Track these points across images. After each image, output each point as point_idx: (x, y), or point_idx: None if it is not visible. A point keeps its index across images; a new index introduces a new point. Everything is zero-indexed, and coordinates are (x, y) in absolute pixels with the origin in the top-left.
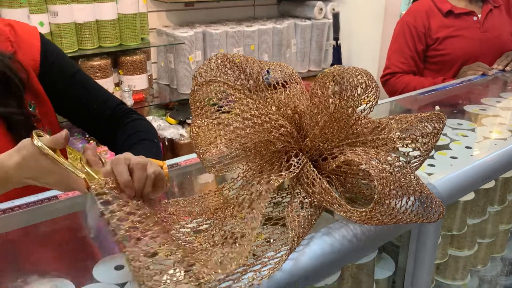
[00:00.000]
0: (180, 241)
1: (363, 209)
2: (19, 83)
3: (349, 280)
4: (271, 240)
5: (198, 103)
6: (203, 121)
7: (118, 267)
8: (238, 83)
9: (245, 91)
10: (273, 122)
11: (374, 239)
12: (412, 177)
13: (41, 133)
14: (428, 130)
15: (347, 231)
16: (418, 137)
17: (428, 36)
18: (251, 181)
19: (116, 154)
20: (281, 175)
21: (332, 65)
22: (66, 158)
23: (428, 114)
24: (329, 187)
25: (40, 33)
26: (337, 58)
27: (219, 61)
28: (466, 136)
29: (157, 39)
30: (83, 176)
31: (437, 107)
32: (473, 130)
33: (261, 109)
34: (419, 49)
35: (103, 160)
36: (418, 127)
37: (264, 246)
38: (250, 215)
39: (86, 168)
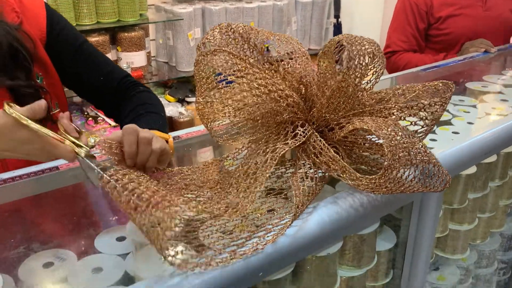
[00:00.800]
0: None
1: (372, 176)
2: (27, 54)
3: (351, 250)
4: (275, 210)
5: (203, 73)
6: (209, 91)
7: (120, 238)
8: (242, 53)
9: (250, 61)
10: (280, 92)
11: (377, 209)
12: (420, 145)
13: (12, 104)
14: (435, 99)
15: (353, 200)
16: (425, 106)
17: (430, 14)
18: (257, 150)
19: (121, 125)
20: (287, 143)
21: None
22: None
23: (435, 83)
24: (336, 156)
25: (46, 2)
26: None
27: (223, 31)
28: (468, 112)
29: (155, 15)
30: (69, 141)
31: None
32: (474, 106)
33: (267, 79)
34: (421, 28)
35: (78, 129)
36: (425, 96)
37: (267, 215)
38: (254, 182)
39: (67, 135)
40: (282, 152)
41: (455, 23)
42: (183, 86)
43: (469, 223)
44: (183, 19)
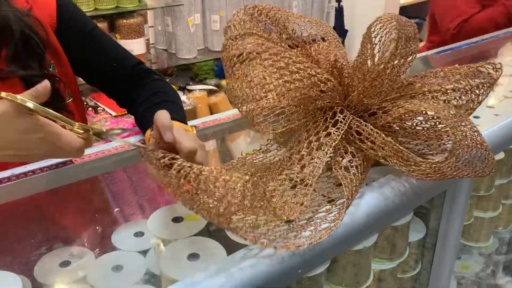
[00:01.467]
0: None
1: (435, 161)
2: (39, 42)
3: (384, 243)
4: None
5: (234, 58)
6: (243, 76)
7: (139, 234)
8: (271, 37)
9: (282, 43)
10: (319, 75)
11: (413, 199)
12: (474, 127)
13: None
14: (483, 80)
15: (389, 190)
16: (473, 88)
17: None
18: (301, 138)
19: (135, 115)
20: (330, 133)
21: (334, 28)
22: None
23: (481, 64)
24: (388, 138)
25: None
26: (339, 21)
27: (249, 13)
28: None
29: (154, 1)
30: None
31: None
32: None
33: (305, 62)
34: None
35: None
36: (470, 77)
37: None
38: (311, 163)
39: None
40: (332, 143)
41: None
42: (183, 74)
43: (493, 210)
44: (182, 4)
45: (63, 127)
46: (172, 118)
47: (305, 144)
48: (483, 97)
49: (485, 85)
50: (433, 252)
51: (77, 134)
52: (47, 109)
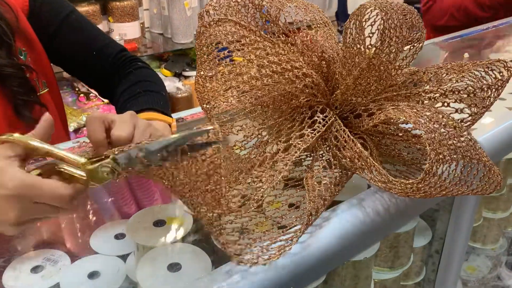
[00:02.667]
0: None
1: (409, 181)
2: (7, 28)
3: (386, 251)
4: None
5: (204, 48)
6: (210, 69)
7: (119, 236)
8: (253, 23)
9: (262, 32)
10: (296, 70)
11: (415, 207)
12: (470, 141)
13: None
14: (488, 81)
15: (383, 199)
16: (476, 91)
17: None
18: (268, 140)
19: (116, 106)
20: (303, 134)
21: (336, 13)
22: (62, 117)
23: (489, 61)
24: (364, 152)
25: None
26: (342, 5)
27: None
28: None
29: None
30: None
31: (466, 55)
32: None
33: (281, 54)
34: None
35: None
36: (474, 77)
37: (283, 211)
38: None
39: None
40: (301, 146)
41: None
42: (179, 59)
43: (503, 211)
44: None
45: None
46: (151, 109)
47: (272, 146)
48: (491, 100)
49: (491, 87)
50: (439, 257)
51: (77, 175)
52: (52, 147)
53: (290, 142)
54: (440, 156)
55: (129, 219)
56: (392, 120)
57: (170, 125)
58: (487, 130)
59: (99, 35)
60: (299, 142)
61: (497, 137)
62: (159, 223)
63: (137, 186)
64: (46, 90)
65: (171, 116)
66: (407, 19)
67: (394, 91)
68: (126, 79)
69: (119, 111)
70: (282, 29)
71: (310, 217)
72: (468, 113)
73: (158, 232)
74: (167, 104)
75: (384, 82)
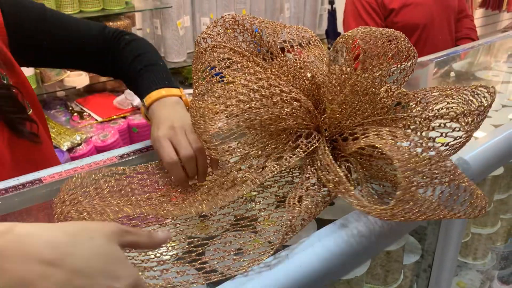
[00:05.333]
0: None
1: (383, 207)
2: None
3: (377, 268)
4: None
5: (200, 73)
6: (203, 95)
7: None
8: (248, 50)
9: (254, 57)
10: (284, 95)
11: (403, 226)
12: (449, 165)
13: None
14: (472, 106)
15: (367, 222)
16: (459, 116)
17: (382, 7)
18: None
19: (124, 81)
20: (282, 157)
21: (327, 31)
22: (49, 134)
23: (473, 86)
24: (343, 177)
25: None
26: (332, 23)
27: (226, 24)
28: None
29: (142, 3)
30: None
31: (452, 74)
32: None
33: (271, 79)
34: (379, 23)
35: None
36: (459, 102)
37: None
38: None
39: None
40: (268, 175)
41: (410, 12)
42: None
43: (492, 226)
44: (171, 6)
45: None
46: (160, 86)
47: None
48: (474, 125)
49: (474, 113)
50: (429, 273)
51: None
52: None
53: (266, 164)
54: (414, 184)
55: None
56: (367, 149)
57: (181, 97)
58: (473, 148)
59: (79, 22)
60: (275, 165)
61: (484, 155)
62: None
63: None
64: (31, 111)
65: (177, 86)
66: (392, 45)
67: (380, 115)
68: (122, 56)
69: (132, 86)
70: (275, 53)
71: (285, 236)
72: (453, 137)
73: None
74: (168, 73)
75: (370, 106)
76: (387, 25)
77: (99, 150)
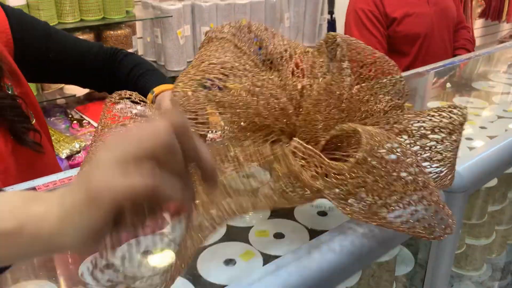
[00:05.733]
0: None
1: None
2: None
3: (369, 279)
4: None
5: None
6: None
7: (108, 266)
8: (248, 51)
9: (256, 60)
10: (264, 90)
11: (395, 236)
12: (420, 180)
13: None
14: (443, 123)
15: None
16: (427, 132)
17: (384, 16)
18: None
19: (122, 87)
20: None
21: None
22: (51, 143)
23: (449, 106)
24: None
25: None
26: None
27: (238, 26)
28: (479, 115)
29: (142, 12)
30: None
31: (448, 85)
32: (484, 108)
33: (261, 80)
34: (383, 32)
35: None
36: (431, 126)
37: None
38: None
39: None
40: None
41: (412, 22)
42: None
43: (487, 238)
44: (172, 16)
45: None
46: (160, 83)
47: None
48: (442, 147)
49: (444, 130)
50: (422, 285)
51: None
52: None
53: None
54: (375, 149)
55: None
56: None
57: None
58: (467, 159)
59: (80, 41)
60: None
61: (477, 166)
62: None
63: None
64: (34, 121)
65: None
66: (369, 60)
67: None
68: (121, 67)
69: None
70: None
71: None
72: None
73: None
74: (166, 77)
75: (344, 115)
76: (390, 34)
77: None
